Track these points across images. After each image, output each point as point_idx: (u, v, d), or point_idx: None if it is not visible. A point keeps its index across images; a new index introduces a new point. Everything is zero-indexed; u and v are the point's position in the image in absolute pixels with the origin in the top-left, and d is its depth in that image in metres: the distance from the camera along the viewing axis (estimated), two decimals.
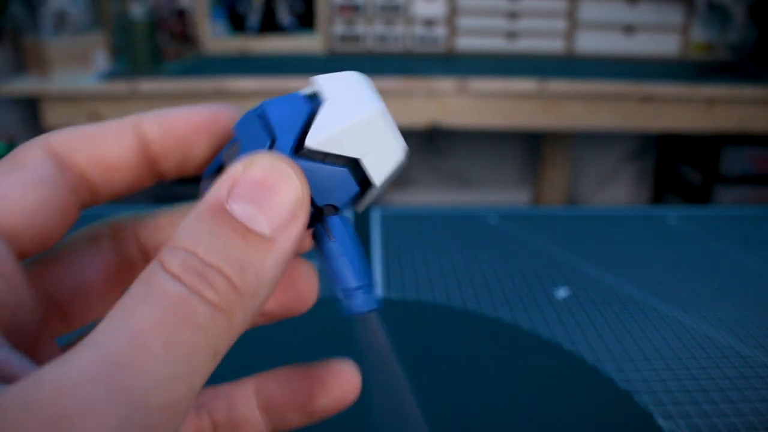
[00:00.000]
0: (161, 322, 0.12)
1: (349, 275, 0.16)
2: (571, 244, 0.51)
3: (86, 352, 0.12)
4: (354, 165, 0.16)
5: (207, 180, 0.18)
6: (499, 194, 2.08)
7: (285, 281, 0.18)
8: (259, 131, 0.16)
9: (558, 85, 1.48)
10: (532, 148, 2.02)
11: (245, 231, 0.14)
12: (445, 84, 1.49)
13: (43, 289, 0.17)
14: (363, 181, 0.17)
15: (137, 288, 0.13)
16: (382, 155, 0.16)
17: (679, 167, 1.88)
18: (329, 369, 0.18)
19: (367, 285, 0.16)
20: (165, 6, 1.70)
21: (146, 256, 0.19)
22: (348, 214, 0.17)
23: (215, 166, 0.17)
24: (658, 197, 2.03)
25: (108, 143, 0.17)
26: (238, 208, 0.14)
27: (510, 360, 0.35)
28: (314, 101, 0.17)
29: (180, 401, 0.12)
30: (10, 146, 1.54)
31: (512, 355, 0.36)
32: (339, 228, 0.16)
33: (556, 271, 0.46)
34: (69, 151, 0.17)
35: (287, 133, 0.16)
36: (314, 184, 0.16)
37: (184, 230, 0.14)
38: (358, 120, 0.16)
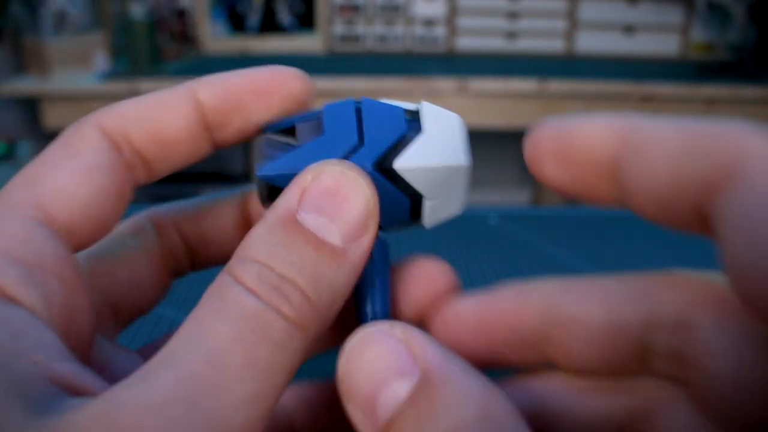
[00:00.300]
0: (240, 338, 0.12)
1: (377, 302, 0.16)
2: (571, 244, 0.50)
3: (165, 372, 0.11)
4: (415, 199, 0.16)
5: (270, 134, 0.17)
6: (499, 194, 2.08)
7: (420, 282, 0.18)
8: (350, 126, 0.16)
9: (558, 85, 1.48)
10: None
11: (318, 242, 0.13)
12: (445, 84, 1.49)
13: (96, 286, 0.17)
14: (414, 214, 0.17)
15: (211, 302, 0.13)
16: (445, 204, 0.17)
17: None
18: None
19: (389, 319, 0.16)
20: (165, 6, 1.70)
21: (189, 246, 0.19)
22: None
23: (283, 126, 0.17)
24: None
25: (164, 116, 0.16)
26: (309, 219, 0.13)
27: None
28: (412, 124, 0.16)
29: (258, 421, 0.12)
30: (10, 146, 1.54)
31: None
32: (379, 251, 0.16)
33: (556, 271, 0.46)
34: (123, 129, 0.16)
35: (377, 142, 0.16)
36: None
37: (255, 241, 0.13)
38: (449, 166, 0.16)
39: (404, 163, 0.16)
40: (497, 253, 0.49)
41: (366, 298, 0.16)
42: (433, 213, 0.17)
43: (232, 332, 0.12)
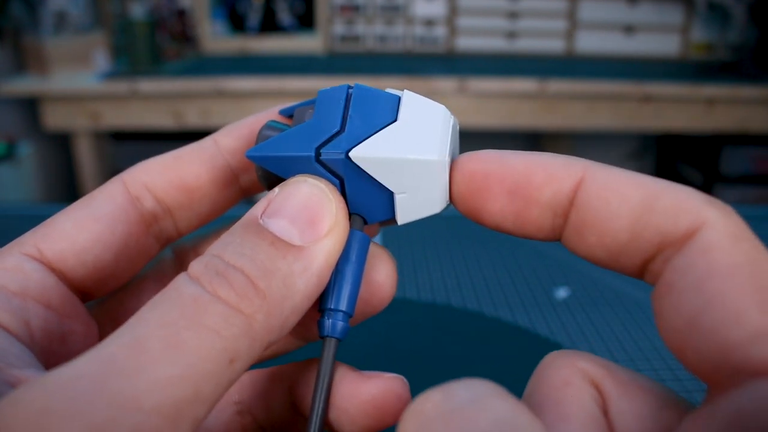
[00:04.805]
0: (166, 322, 0.12)
1: (342, 295, 0.15)
2: None
3: (86, 354, 0.11)
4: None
5: (271, 119, 0.17)
6: None
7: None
8: (336, 113, 0.16)
9: (558, 85, 1.48)
10: (532, 148, 2.02)
11: (274, 238, 0.14)
12: (445, 84, 1.49)
13: (107, 315, 0.18)
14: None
15: (157, 295, 0.13)
16: (419, 201, 0.16)
17: (679, 167, 1.89)
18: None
19: (350, 315, 0.16)
20: (165, 6, 1.70)
21: None
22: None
23: (290, 111, 0.17)
24: None
25: (185, 164, 0.17)
26: (270, 222, 0.14)
27: (510, 360, 0.35)
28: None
29: (183, 405, 0.11)
30: (10, 146, 1.54)
31: (512, 355, 0.36)
32: (356, 245, 0.16)
33: (556, 271, 0.46)
34: (145, 181, 0.17)
35: (358, 130, 0.15)
36: (356, 191, 0.16)
37: (216, 242, 0.14)
38: (412, 159, 0.15)
39: (360, 152, 0.15)
40: (497, 253, 0.49)
41: (332, 289, 0.15)
42: (404, 209, 0.16)
43: (161, 317, 0.12)
